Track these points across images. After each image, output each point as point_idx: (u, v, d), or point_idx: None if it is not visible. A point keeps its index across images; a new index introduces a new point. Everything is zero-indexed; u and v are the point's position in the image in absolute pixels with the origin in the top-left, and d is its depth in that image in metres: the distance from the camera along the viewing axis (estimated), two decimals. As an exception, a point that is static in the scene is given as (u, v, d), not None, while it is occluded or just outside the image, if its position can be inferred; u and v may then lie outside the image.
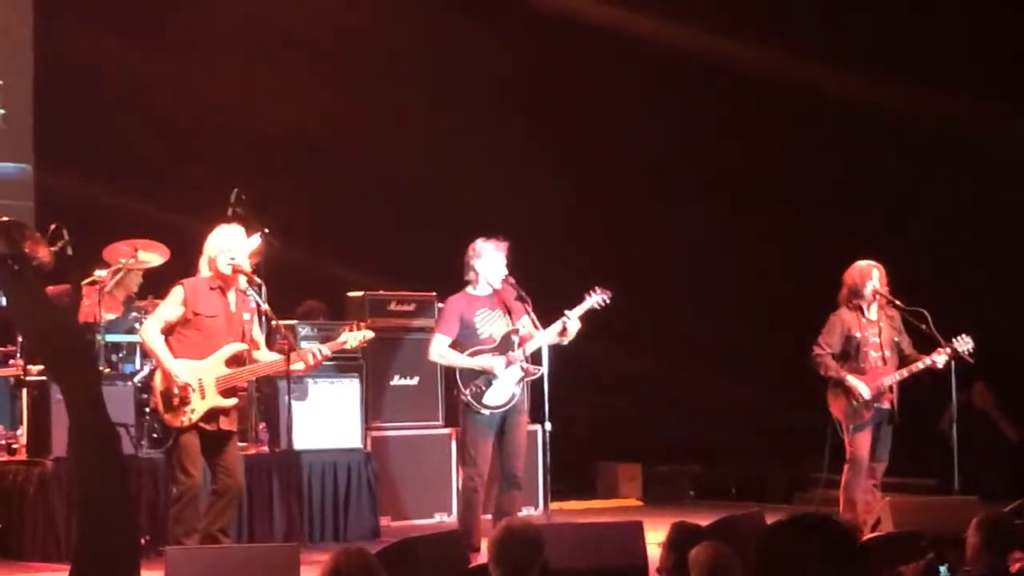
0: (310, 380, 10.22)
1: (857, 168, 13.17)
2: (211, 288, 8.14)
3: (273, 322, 8.79)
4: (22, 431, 9.50)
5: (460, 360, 8.91)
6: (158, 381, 8.09)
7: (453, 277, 9.26)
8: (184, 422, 7.98)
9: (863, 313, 9.41)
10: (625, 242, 13.82)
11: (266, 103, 13.16)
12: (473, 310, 8.95)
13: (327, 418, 10.35)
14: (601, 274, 9.47)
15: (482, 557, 7.00)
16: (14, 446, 9.60)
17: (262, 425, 10.22)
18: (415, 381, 11.25)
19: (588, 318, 8.94)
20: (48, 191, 12.82)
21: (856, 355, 9.35)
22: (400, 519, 10.83)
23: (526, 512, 9.70)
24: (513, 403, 8.87)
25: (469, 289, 9.02)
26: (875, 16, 12.98)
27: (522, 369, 8.88)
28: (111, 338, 9.89)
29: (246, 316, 8.26)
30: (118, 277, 10.14)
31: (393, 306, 11.28)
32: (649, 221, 13.78)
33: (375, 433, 10.95)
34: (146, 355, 9.28)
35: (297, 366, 8.32)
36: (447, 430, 11.17)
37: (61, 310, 8.41)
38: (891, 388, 9.36)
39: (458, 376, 8.93)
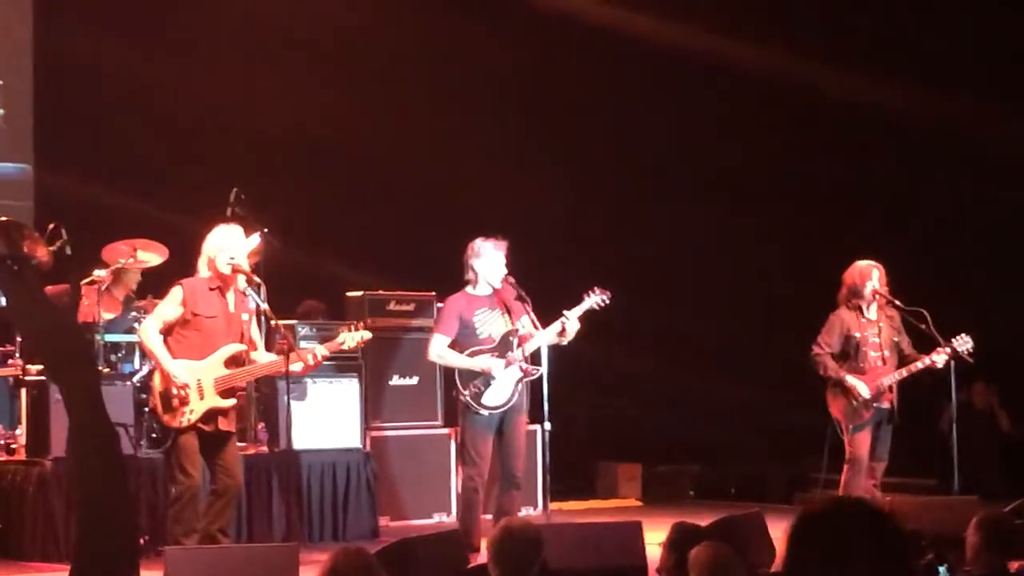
0: (309, 380, 10.22)
1: (857, 168, 13.17)
2: (210, 288, 8.14)
3: (273, 322, 8.78)
4: (21, 431, 9.49)
5: (459, 360, 8.90)
6: (157, 382, 8.08)
7: (453, 277, 9.26)
8: (183, 422, 7.97)
9: (863, 313, 9.41)
10: (625, 242, 13.82)
11: (266, 103, 13.16)
12: (472, 310, 8.94)
13: (326, 418, 10.34)
14: (601, 274, 9.46)
15: (482, 557, 7.00)
16: (13, 446, 9.59)
17: (261, 425, 10.21)
18: (414, 381, 11.25)
19: (588, 318, 8.93)
20: (48, 191, 12.81)
21: (855, 355, 9.35)
22: (399, 519, 10.82)
23: (525, 512, 9.69)
24: (512, 403, 8.86)
25: (469, 289, 9.01)
26: (875, 16, 12.98)
27: (521, 369, 8.87)
28: (110, 338, 9.89)
29: (244, 316, 8.26)
30: (116, 269, 10.13)
31: (392, 306, 11.27)
32: (649, 221, 13.78)
33: (374, 433, 10.94)
34: (145, 355, 9.27)
35: (296, 367, 8.31)
36: (446, 430, 11.16)
37: (60, 310, 8.41)
38: (891, 388, 9.35)
39: (457, 376, 8.92)
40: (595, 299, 8.94)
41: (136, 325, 9.30)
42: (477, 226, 9.17)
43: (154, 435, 9.14)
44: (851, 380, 9.27)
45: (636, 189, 13.91)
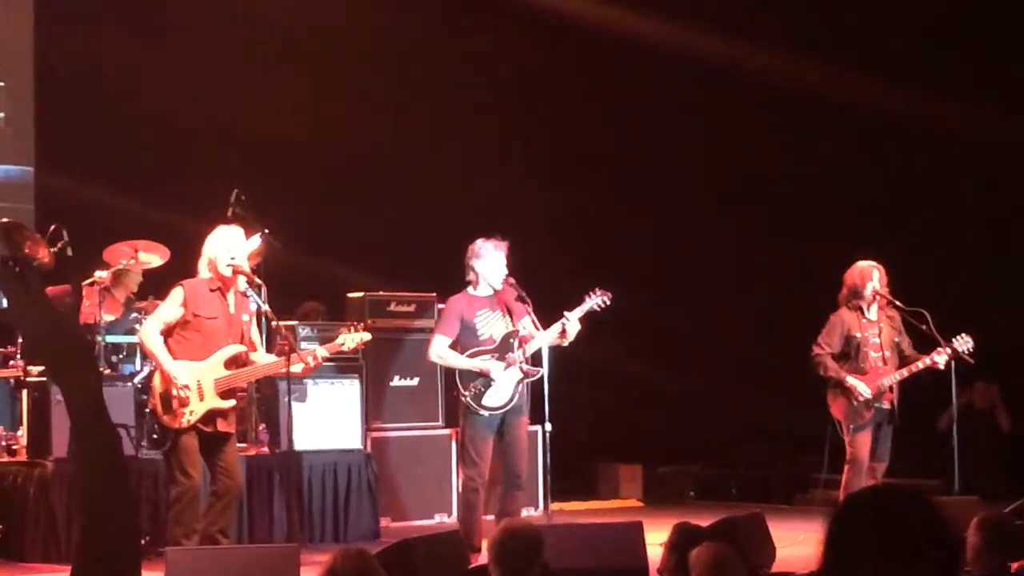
0: (310, 381, 10.22)
1: (857, 168, 13.17)
2: (211, 289, 8.14)
3: (273, 323, 8.79)
4: (22, 432, 9.50)
5: (459, 361, 8.90)
6: (157, 383, 8.09)
7: (453, 278, 9.26)
8: (183, 423, 7.97)
9: (863, 313, 9.41)
10: (625, 243, 13.82)
11: (266, 104, 13.17)
12: (473, 311, 8.94)
13: (327, 419, 10.35)
14: (601, 275, 9.47)
15: (483, 558, 7.01)
16: (14, 447, 9.59)
17: (262, 426, 10.21)
18: (415, 382, 11.25)
19: (589, 319, 8.94)
20: (49, 193, 12.83)
21: (856, 355, 9.35)
22: (400, 520, 10.82)
23: (526, 513, 9.70)
24: (513, 404, 8.86)
25: (470, 290, 9.02)
26: (876, 16, 12.97)
27: (521, 370, 8.87)
28: (111, 339, 9.90)
29: (245, 317, 8.26)
30: (117, 270, 10.15)
31: (393, 307, 11.28)
32: (650, 221, 13.78)
33: (375, 434, 10.95)
34: (146, 356, 9.28)
35: (296, 368, 8.31)
36: (447, 431, 11.17)
37: (61, 311, 8.41)
38: (891, 388, 9.35)
39: (457, 377, 8.92)
40: (596, 300, 8.94)
41: (137, 326, 9.31)
42: (477, 227, 9.17)
43: (155, 436, 9.13)
44: (852, 380, 9.27)
45: (637, 189, 13.91)
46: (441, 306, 9.69)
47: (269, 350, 8.81)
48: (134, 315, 10.00)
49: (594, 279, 9.13)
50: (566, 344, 8.94)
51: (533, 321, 8.90)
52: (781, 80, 12.80)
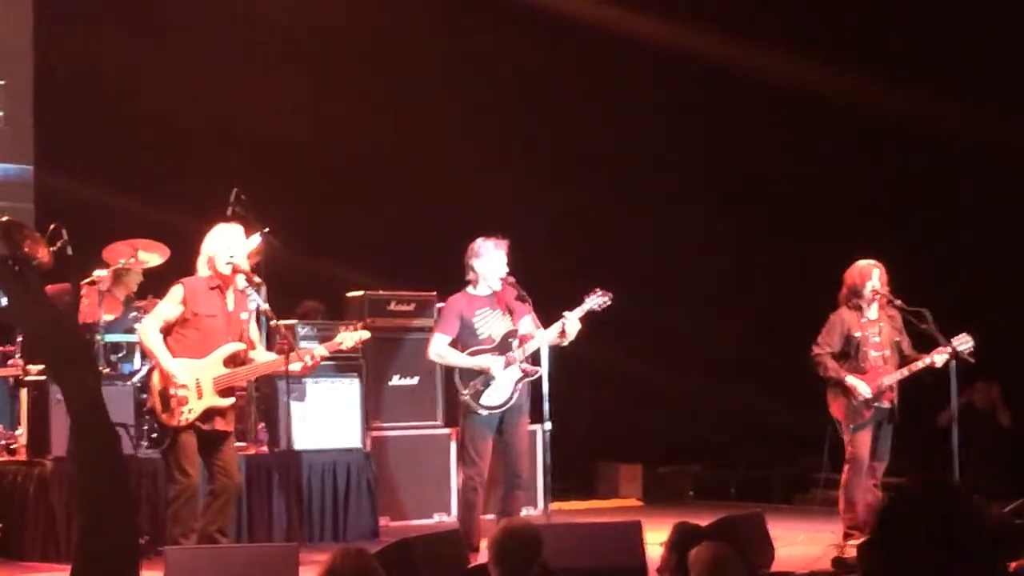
0: (310, 380, 10.22)
1: (857, 168, 13.17)
2: (210, 288, 8.14)
3: (273, 322, 8.79)
4: (22, 431, 9.50)
5: (459, 359, 8.90)
6: (156, 381, 8.09)
7: (453, 278, 9.26)
8: (181, 422, 7.97)
9: (863, 313, 9.40)
10: (625, 243, 13.82)
11: (266, 103, 13.18)
12: (473, 310, 8.94)
13: (327, 418, 10.35)
14: (602, 275, 9.46)
15: (482, 557, 7.01)
16: (13, 446, 9.60)
17: (261, 425, 10.21)
18: (415, 381, 11.25)
19: (589, 319, 8.93)
20: (48, 192, 12.84)
21: (856, 355, 9.34)
22: (400, 519, 10.83)
23: (526, 512, 9.70)
24: (512, 403, 8.86)
25: (470, 289, 9.01)
26: (876, 16, 12.97)
27: (521, 369, 8.87)
28: (110, 338, 9.90)
29: (244, 316, 8.26)
30: (120, 279, 10.16)
31: (393, 306, 11.28)
32: (650, 221, 13.78)
33: (375, 433, 10.95)
34: (145, 355, 9.28)
35: (295, 367, 8.31)
36: (447, 430, 11.17)
37: (61, 310, 8.42)
38: (891, 388, 9.35)
39: (457, 376, 8.92)
40: (596, 300, 8.93)
41: (136, 325, 9.30)
42: (477, 227, 9.17)
43: (154, 435, 9.14)
44: (851, 380, 9.26)
45: (637, 189, 13.91)
46: (441, 305, 9.69)
47: (269, 349, 8.80)
48: (134, 314, 10.00)
49: (594, 279, 9.12)
50: (566, 344, 8.93)
51: (533, 320, 8.90)
52: (781, 80, 12.80)
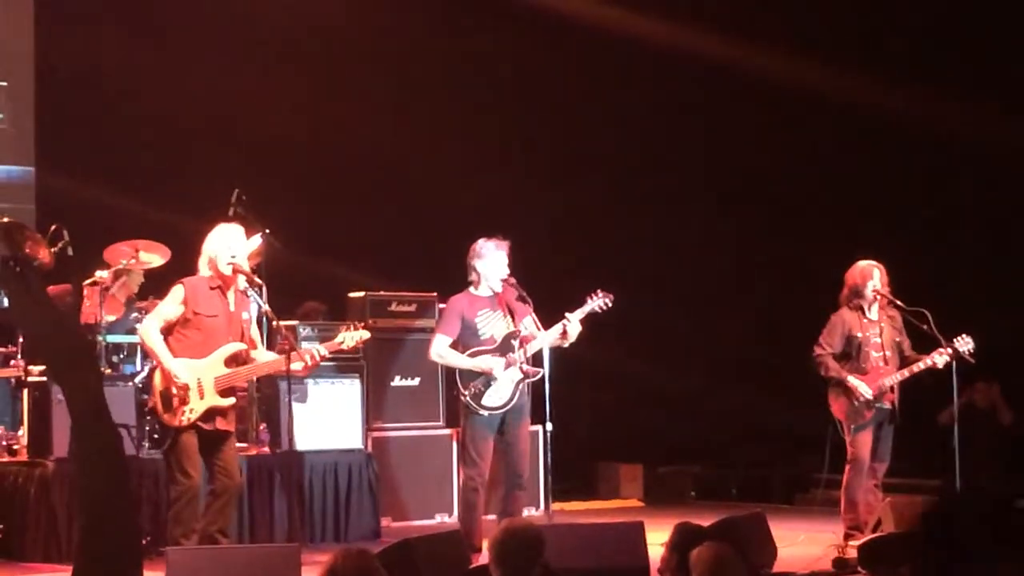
0: (311, 381, 10.23)
1: (857, 168, 13.17)
2: (211, 288, 8.14)
3: (274, 323, 8.79)
4: (23, 432, 9.50)
5: (459, 360, 8.90)
6: (157, 380, 8.09)
7: (454, 278, 9.27)
8: (182, 421, 7.97)
9: (864, 313, 9.41)
10: (625, 243, 13.83)
11: (267, 104, 13.18)
12: (475, 310, 8.94)
13: (328, 419, 10.35)
14: (602, 275, 9.47)
15: (483, 557, 7.01)
16: (15, 447, 9.60)
17: (263, 426, 10.22)
18: (416, 382, 11.26)
19: (589, 320, 8.93)
20: (49, 193, 12.83)
21: (857, 355, 9.35)
22: (401, 520, 10.83)
23: (527, 513, 9.70)
24: (513, 404, 8.86)
25: (471, 289, 9.02)
26: (876, 16, 12.98)
27: (522, 370, 8.87)
28: (112, 339, 9.91)
29: (245, 316, 8.26)
30: (121, 280, 10.16)
31: (394, 306, 11.28)
32: (650, 221, 13.78)
33: (376, 434, 10.95)
34: (147, 356, 9.28)
35: (295, 366, 8.31)
36: (448, 431, 11.17)
37: (62, 311, 8.41)
38: (892, 388, 9.36)
39: (458, 376, 8.92)
40: (597, 302, 8.94)
41: (138, 326, 9.31)
42: (477, 227, 9.18)
43: (156, 436, 9.15)
44: (853, 380, 9.27)
45: (638, 190, 13.91)
46: (442, 306, 9.69)
47: (270, 350, 8.80)
48: (135, 315, 10.00)
49: (594, 279, 9.12)
50: (567, 345, 8.94)
51: (535, 321, 8.90)
52: (781, 80, 12.80)
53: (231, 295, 8.19)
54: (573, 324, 8.82)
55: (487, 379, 8.81)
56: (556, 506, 10.58)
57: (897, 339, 9.43)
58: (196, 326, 8.08)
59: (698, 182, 13.77)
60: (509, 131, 13.95)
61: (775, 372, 12.13)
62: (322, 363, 8.76)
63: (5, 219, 7.50)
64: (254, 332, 8.38)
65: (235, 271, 8.17)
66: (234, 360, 8.15)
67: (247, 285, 8.30)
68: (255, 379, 9.44)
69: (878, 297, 9.38)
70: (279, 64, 13.65)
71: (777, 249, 13.24)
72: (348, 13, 13.47)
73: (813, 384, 9.57)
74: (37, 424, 9.31)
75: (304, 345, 9.64)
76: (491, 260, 8.92)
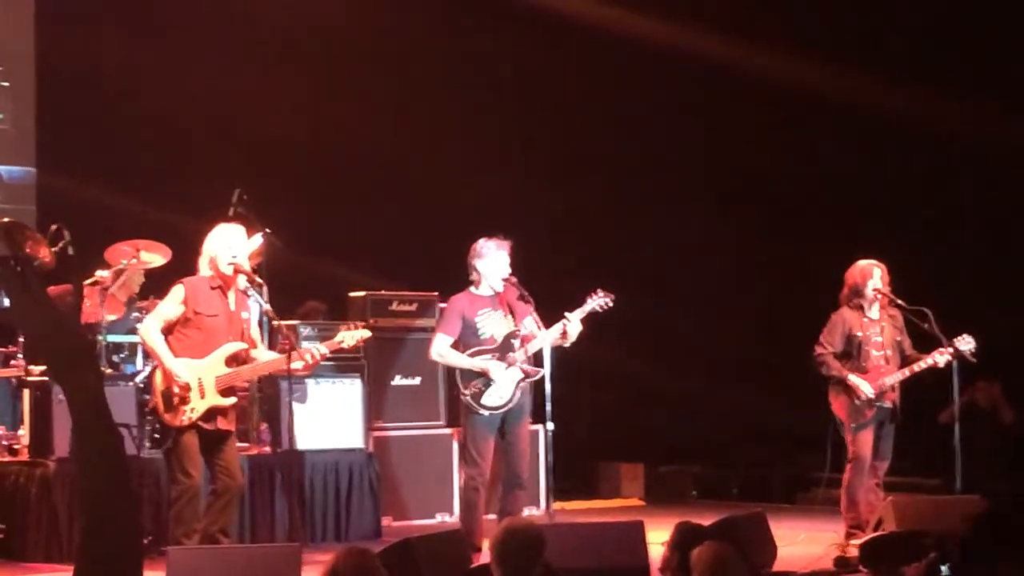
0: (312, 380, 10.24)
1: (857, 168, 13.17)
2: (211, 287, 8.15)
3: (275, 323, 8.80)
4: (24, 432, 9.50)
5: (460, 360, 8.91)
6: (158, 380, 8.09)
7: (454, 278, 9.27)
8: (183, 421, 7.98)
9: (864, 312, 9.41)
10: (625, 243, 13.83)
11: (267, 104, 13.18)
12: (475, 310, 8.94)
13: (329, 418, 10.36)
14: (602, 275, 9.47)
15: (484, 557, 7.02)
16: (16, 447, 9.60)
17: (264, 425, 10.22)
18: (417, 381, 11.26)
19: (590, 320, 8.94)
20: (50, 193, 12.84)
21: (858, 354, 9.35)
22: (402, 519, 10.84)
23: (528, 512, 9.71)
24: (514, 404, 8.87)
25: (472, 289, 9.02)
26: (876, 16, 12.98)
27: (522, 370, 8.88)
28: (113, 339, 9.91)
29: (245, 315, 8.27)
30: (121, 279, 10.16)
31: (395, 306, 11.29)
32: (650, 221, 13.78)
33: (377, 433, 10.96)
34: (147, 356, 9.29)
35: (296, 365, 8.31)
36: (449, 430, 11.18)
37: (63, 311, 8.41)
38: (893, 387, 9.36)
39: (458, 376, 8.93)
40: (598, 301, 8.94)
41: (138, 326, 9.31)
42: (478, 227, 9.18)
43: (157, 436, 9.14)
44: (854, 379, 9.27)
45: (637, 189, 13.91)
46: (443, 305, 9.70)
47: (271, 349, 8.80)
48: (136, 315, 10.00)
49: (594, 279, 9.13)
50: (567, 345, 8.94)
51: (535, 321, 8.91)
52: (781, 80, 12.80)
53: (232, 295, 8.19)
54: (573, 324, 8.83)
55: (487, 379, 8.82)
56: (557, 505, 10.57)
57: (898, 338, 9.43)
58: (197, 326, 8.09)
59: (698, 182, 13.76)
60: (509, 131, 13.95)
61: (775, 372, 12.13)
62: (323, 362, 8.76)
63: (5, 219, 7.51)
64: (255, 331, 8.38)
65: (236, 271, 8.17)
66: (235, 360, 8.16)
67: (248, 285, 8.31)
68: (255, 378, 9.43)
69: (879, 296, 9.38)
70: (279, 64, 13.65)
71: (777, 249, 13.24)
72: (348, 13, 13.47)
73: (813, 384, 9.58)
74: (38, 424, 9.32)
75: (305, 344, 9.65)
76: (492, 260, 8.92)
